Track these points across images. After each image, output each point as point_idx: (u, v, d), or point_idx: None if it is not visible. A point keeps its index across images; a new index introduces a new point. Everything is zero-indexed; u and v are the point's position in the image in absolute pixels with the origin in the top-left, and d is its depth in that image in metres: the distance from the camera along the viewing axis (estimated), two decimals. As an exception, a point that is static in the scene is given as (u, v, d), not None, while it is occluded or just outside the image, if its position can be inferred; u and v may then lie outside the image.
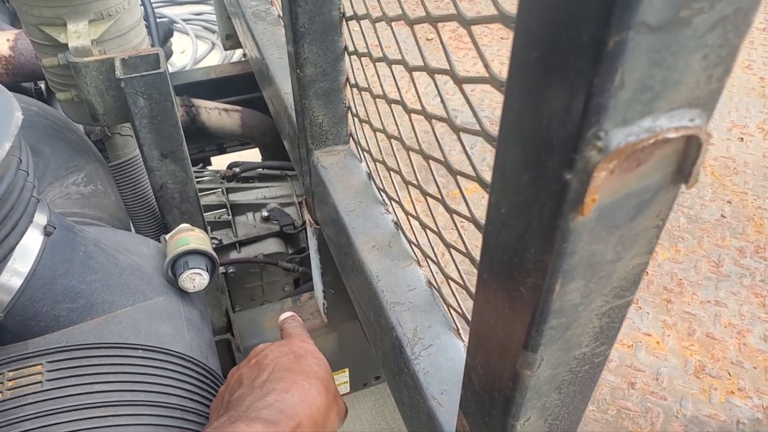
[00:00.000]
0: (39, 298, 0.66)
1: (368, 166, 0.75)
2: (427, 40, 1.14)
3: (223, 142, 1.93)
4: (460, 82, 0.40)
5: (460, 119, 0.88)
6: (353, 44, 0.68)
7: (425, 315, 0.58)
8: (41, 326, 0.67)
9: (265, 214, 1.53)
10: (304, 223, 1.51)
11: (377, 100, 0.66)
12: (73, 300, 0.68)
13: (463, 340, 0.56)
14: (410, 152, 0.59)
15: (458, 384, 0.40)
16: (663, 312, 0.66)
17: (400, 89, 0.59)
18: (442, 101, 0.46)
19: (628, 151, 0.20)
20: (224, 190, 1.58)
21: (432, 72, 0.47)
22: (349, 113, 0.76)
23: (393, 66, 0.57)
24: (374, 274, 0.62)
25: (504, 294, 0.28)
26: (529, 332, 0.27)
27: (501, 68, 1.05)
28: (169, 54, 1.64)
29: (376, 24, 0.59)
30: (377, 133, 0.69)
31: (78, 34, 0.88)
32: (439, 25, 0.43)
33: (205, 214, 1.18)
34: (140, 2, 1.00)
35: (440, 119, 0.47)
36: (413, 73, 0.52)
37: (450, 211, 0.51)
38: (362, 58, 0.66)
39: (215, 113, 1.60)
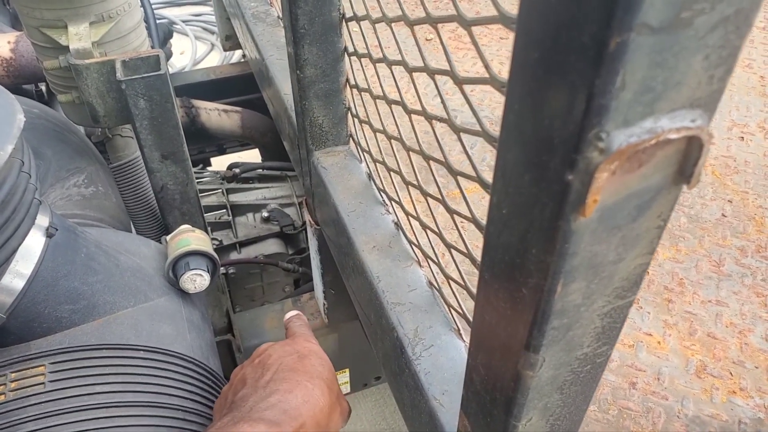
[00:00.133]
0: (41, 299, 0.66)
1: (368, 167, 0.75)
2: (427, 40, 1.14)
3: (222, 143, 1.93)
4: (460, 82, 0.40)
5: (460, 119, 0.88)
6: (353, 45, 0.68)
7: (426, 315, 0.58)
8: (43, 328, 0.67)
9: (265, 214, 1.53)
10: (304, 223, 1.51)
11: (377, 100, 0.66)
12: (74, 301, 0.69)
13: (464, 341, 0.55)
14: (410, 153, 0.59)
15: (459, 384, 0.40)
16: (664, 312, 0.66)
17: (400, 90, 0.59)
18: (442, 101, 0.46)
19: (629, 152, 0.20)
20: (224, 191, 1.58)
21: (432, 72, 0.47)
22: (349, 114, 0.76)
23: (393, 66, 0.57)
24: (375, 274, 0.62)
25: (505, 294, 0.28)
26: (530, 333, 0.27)
27: (500, 68, 1.05)
28: (168, 55, 1.64)
29: (376, 25, 0.59)
30: (377, 133, 0.69)
31: (79, 36, 0.88)
32: (439, 25, 0.43)
33: (205, 214, 1.18)
34: (140, 4, 1.00)
35: (440, 119, 0.47)
36: (413, 73, 0.52)
37: (450, 211, 0.51)
38: (362, 59, 0.66)
39: (215, 114, 1.60)
